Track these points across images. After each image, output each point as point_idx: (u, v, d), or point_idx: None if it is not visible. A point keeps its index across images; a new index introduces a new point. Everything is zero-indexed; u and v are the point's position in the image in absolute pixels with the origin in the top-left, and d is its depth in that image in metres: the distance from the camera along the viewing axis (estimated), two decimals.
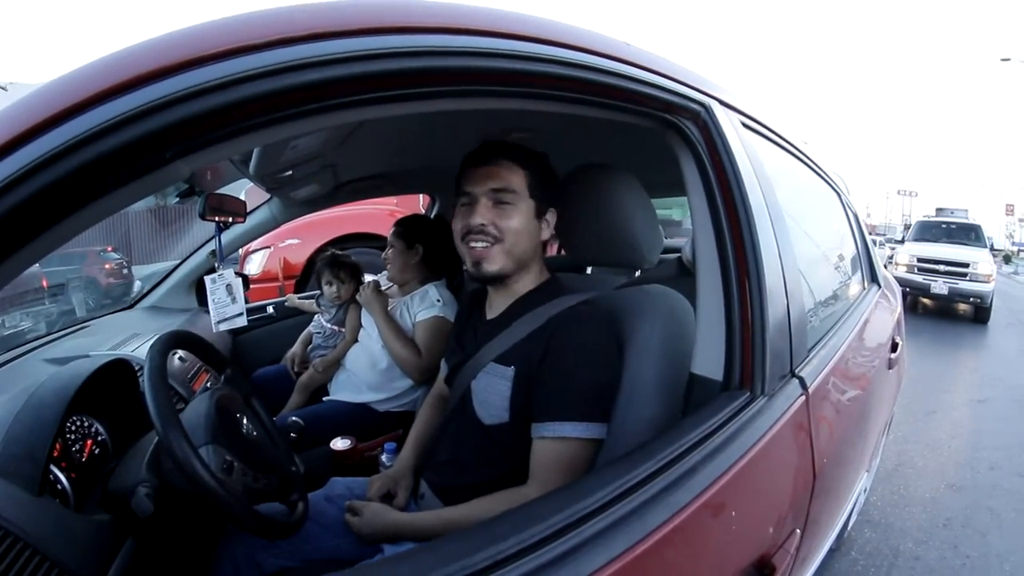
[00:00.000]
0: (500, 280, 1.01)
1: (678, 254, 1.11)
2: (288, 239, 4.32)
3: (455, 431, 1.04)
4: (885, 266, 3.24)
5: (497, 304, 1.06)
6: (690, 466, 0.66)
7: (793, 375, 0.93)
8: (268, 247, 4.32)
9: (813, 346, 1.07)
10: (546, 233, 1.03)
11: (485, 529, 0.54)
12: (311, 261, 4.26)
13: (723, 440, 0.72)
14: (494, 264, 0.97)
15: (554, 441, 0.89)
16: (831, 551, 1.54)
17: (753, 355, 0.83)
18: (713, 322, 0.86)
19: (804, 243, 1.22)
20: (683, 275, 0.97)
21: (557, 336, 0.93)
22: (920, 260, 7.60)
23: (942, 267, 7.34)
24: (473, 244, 0.97)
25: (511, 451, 0.94)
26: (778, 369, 0.88)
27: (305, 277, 4.30)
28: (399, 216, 1.83)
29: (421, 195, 3.67)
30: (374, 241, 4.22)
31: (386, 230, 1.76)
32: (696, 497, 0.63)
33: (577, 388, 0.91)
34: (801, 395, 0.92)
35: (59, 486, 0.86)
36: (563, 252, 1.05)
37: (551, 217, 1.03)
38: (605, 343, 0.94)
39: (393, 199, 4.48)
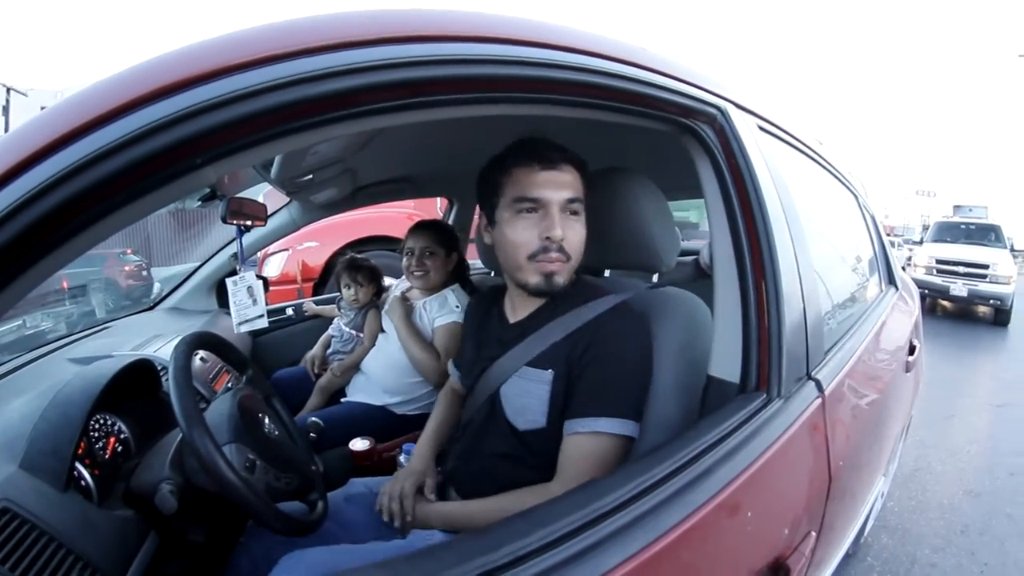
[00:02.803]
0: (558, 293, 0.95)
1: (694, 256, 1.11)
2: (306, 242, 4.35)
3: (479, 437, 1.01)
4: (904, 268, 3.18)
5: (521, 307, 1.02)
6: (706, 467, 0.66)
7: (809, 377, 0.93)
8: (287, 250, 4.36)
9: (830, 349, 1.07)
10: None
11: (506, 525, 0.55)
12: (329, 264, 4.31)
13: (739, 442, 0.73)
14: (562, 279, 0.92)
15: (587, 437, 0.87)
16: (847, 556, 1.53)
17: (770, 357, 0.84)
18: (730, 324, 0.86)
19: (821, 246, 1.22)
20: (701, 278, 0.97)
21: (601, 333, 0.91)
22: (939, 261, 7.52)
23: (961, 268, 7.25)
24: (546, 261, 0.90)
25: (544, 455, 0.92)
26: (794, 372, 0.88)
27: (323, 280, 4.34)
28: (416, 219, 1.85)
29: (438, 199, 3.69)
30: (392, 244, 4.25)
31: (403, 233, 1.77)
32: (712, 498, 0.64)
33: (617, 384, 0.89)
34: (817, 398, 0.92)
35: (83, 482, 0.87)
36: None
37: None
38: (645, 343, 0.93)
39: (410, 202, 4.50)
